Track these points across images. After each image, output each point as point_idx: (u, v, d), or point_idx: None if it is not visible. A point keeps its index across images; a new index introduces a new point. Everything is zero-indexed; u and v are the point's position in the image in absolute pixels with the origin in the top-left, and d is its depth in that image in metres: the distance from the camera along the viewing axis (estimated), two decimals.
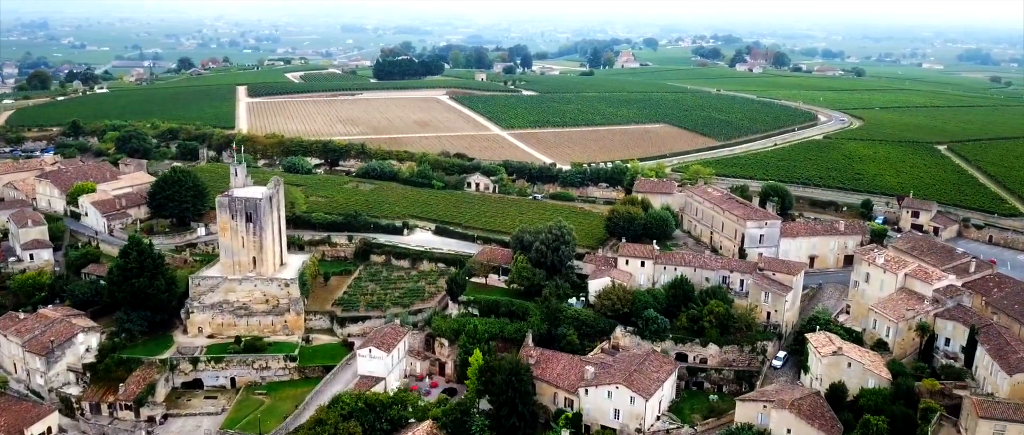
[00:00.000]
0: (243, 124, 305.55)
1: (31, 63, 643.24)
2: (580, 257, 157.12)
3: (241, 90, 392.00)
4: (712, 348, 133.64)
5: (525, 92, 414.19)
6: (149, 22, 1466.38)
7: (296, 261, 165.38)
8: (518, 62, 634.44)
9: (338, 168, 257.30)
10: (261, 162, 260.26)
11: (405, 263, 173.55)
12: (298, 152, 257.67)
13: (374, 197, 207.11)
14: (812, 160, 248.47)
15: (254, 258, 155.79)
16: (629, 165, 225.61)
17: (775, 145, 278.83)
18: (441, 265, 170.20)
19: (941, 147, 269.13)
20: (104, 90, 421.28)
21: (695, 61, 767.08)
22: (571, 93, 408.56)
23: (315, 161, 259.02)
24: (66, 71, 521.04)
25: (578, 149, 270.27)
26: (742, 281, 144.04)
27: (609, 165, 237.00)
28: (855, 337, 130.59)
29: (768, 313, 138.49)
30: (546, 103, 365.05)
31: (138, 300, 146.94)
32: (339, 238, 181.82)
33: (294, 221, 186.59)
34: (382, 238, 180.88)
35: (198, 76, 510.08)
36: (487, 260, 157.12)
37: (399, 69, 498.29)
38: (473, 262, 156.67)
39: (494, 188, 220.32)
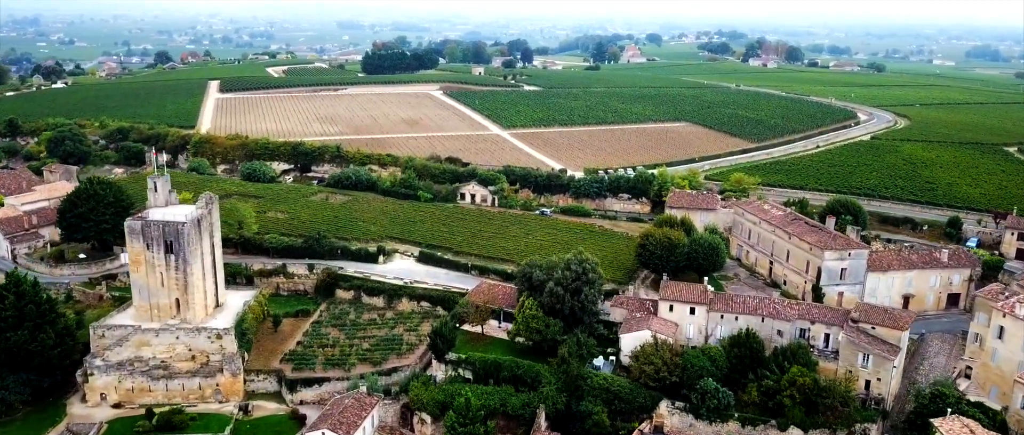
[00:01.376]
0: (206, 123, 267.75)
1: (13, 59, 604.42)
2: (607, 296, 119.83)
3: (213, 85, 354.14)
4: (794, 433, 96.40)
5: (527, 87, 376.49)
6: (143, 19, 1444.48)
7: (236, 301, 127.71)
8: (518, 57, 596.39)
9: (310, 174, 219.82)
10: (220, 167, 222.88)
11: (379, 301, 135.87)
12: (263, 156, 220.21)
13: (346, 212, 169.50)
14: (867, 165, 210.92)
15: (177, 300, 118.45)
16: (655, 172, 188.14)
17: (817, 147, 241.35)
18: (425, 304, 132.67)
19: (1010, 149, 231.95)
20: (60, 85, 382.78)
21: (704, 56, 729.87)
22: (578, 88, 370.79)
23: (283, 166, 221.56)
24: (32, 67, 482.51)
25: (590, 152, 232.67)
26: (828, 336, 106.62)
27: (630, 172, 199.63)
28: (995, 420, 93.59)
29: (867, 382, 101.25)
30: (551, 99, 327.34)
31: (17, 360, 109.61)
32: (297, 267, 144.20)
33: (243, 245, 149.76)
34: (351, 268, 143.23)
35: (172, 70, 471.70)
36: (484, 302, 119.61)
37: (390, 63, 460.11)
38: (466, 304, 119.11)
39: (493, 201, 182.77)
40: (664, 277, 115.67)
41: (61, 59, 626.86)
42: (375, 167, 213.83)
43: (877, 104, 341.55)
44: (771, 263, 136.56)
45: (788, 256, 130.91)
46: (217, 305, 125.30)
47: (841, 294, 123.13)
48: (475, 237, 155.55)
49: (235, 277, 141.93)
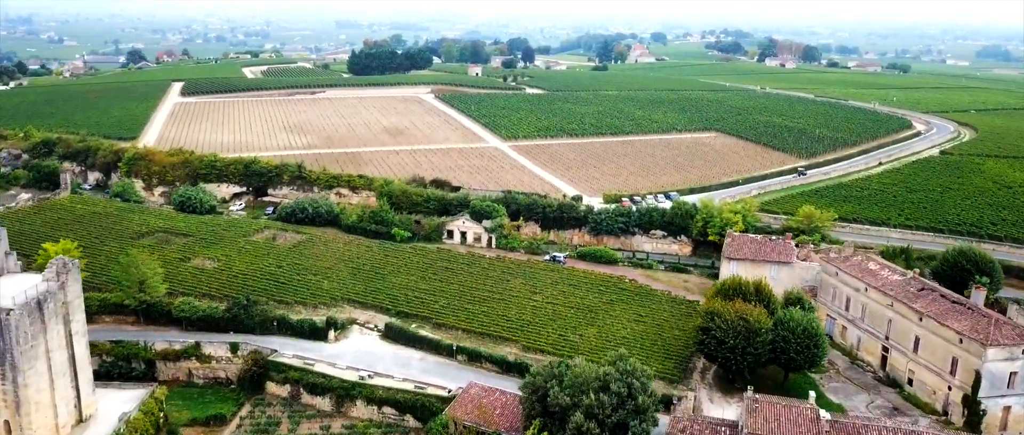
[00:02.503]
0: (152, 133, 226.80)
1: None
2: (665, 404, 79.57)
3: (176, 87, 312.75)
4: None
5: (529, 90, 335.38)
6: (138, 18, 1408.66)
7: (113, 409, 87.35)
8: (518, 56, 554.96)
9: (267, 198, 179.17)
10: (158, 190, 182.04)
11: (325, 402, 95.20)
12: (209, 176, 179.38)
13: (296, 259, 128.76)
14: (953, 190, 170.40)
15: (6, 422, 77.99)
16: (697, 201, 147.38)
17: (880, 164, 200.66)
18: (389, 411, 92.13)
19: None
20: (12, 86, 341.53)
21: (715, 56, 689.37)
22: (586, 91, 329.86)
23: (234, 190, 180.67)
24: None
25: (608, 171, 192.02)
26: None
27: (663, 200, 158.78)
28: None
29: None
30: (557, 104, 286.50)
31: None
32: (217, 346, 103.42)
33: (147, 314, 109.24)
34: (291, 348, 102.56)
35: (139, 71, 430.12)
36: (475, 420, 79.46)
37: (378, 63, 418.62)
38: (444, 424, 78.67)
39: (489, 240, 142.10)
40: (748, 392, 74.66)
41: (46, 58, 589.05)
42: (344, 191, 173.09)
43: (926, 110, 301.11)
44: (884, 349, 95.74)
45: (917, 345, 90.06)
46: (79, 421, 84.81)
47: (1007, 409, 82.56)
48: (464, 298, 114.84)
49: (129, 362, 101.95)
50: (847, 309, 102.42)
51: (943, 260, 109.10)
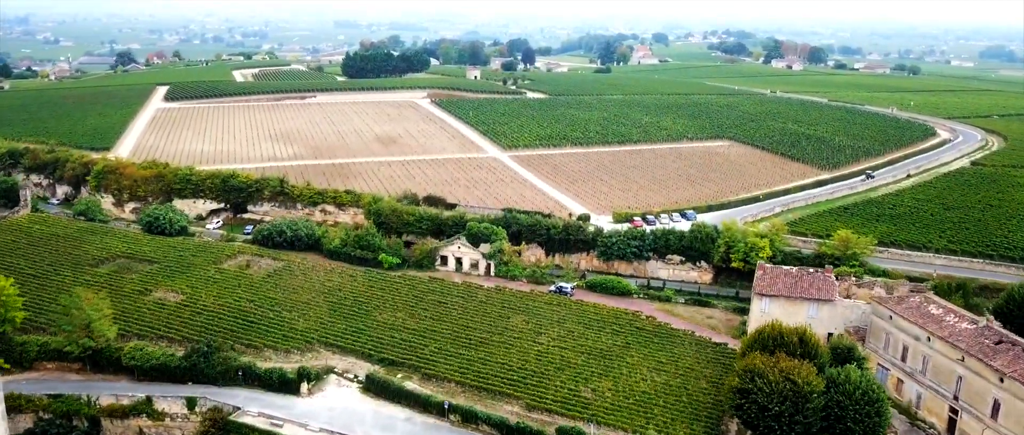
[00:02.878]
0: (129, 142, 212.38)
1: None
2: None
3: (160, 92, 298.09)
4: None
5: (530, 94, 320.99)
6: (136, 18, 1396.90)
7: None
8: (519, 57, 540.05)
9: (247, 215, 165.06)
10: (129, 207, 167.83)
11: None
12: (184, 191, 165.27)
13: (270, 290, 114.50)
14: (996, 207, 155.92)
15: None
16: (719, 223, 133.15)
17: (909, 176, 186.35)
18: None
19: None
20: None
21: (719, 57, 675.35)
22: (590, 95, 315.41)
23: (211, 206, 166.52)
24: None
25: (617, 185, 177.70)
26: None
27: (679, 221, 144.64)
28: None
29: None
30: (560, 109, 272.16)
31: None
32: (171, 402, 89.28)
33: (94, 361, 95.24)
34: (257, 405, 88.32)
35: (125, 74, 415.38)
36: None
37: (373, 65, 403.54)
38: None
39: (488, 268, 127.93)
40: None
41: (41, 59, 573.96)
42: (330, 207, 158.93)
43: (946, 115, 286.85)
44: (954, 411, 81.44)
45: (997, 409, 75.80)
46: None
47: None
48: (458, 341, 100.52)
49: (70, 420, 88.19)
50: (904, 359, 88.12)
51: (1009, 298, 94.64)
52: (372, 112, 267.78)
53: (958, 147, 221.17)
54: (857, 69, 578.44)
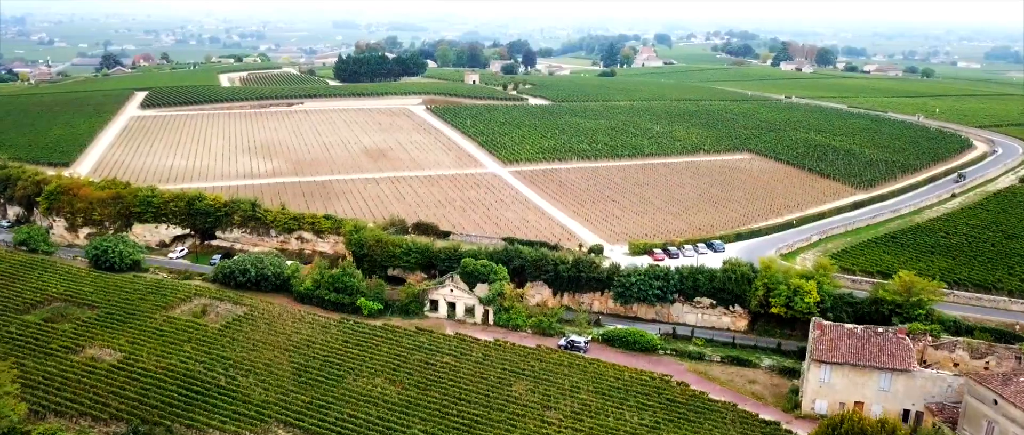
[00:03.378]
0: (93, 156, 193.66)
1: None
2: None
3: (137, 98, 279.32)
4: None
5: (532, 100, 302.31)
6: (133, 18, 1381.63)
7: None
8: (519, 60, 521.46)
9: (215, 242, 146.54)
10: (84, 233, 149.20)
11: None
12: (145, 215, 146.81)
13: (225, 348, 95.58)
14: None
15: None
16: (755, 259, 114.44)
17: (953, 196, 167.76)
18: None
19: None
20: None
21: (724, 58, 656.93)
22: (595, 101, 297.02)
23: (175, 232, 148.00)
24: None
25: (630, 206, 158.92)
26: None
27: (705, 254, 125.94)
28: None
29: None
30: (564, 117, 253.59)
31: None
32: None
33: None
34: None
35: (106, 78, 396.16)
36: None
37: (367, 69, 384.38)
38: None
39: (485, 314, 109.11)
40: None
41: (31, 60, 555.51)
42: (307, 235, 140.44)
43: (977, 123, 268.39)
44: None
45: None
46: None
47: None
48: (449, 418, 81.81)
49: None
50: None
51: None
52: (362, 121, 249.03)
53: (1001, 161, 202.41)
54: (867, 71, 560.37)
